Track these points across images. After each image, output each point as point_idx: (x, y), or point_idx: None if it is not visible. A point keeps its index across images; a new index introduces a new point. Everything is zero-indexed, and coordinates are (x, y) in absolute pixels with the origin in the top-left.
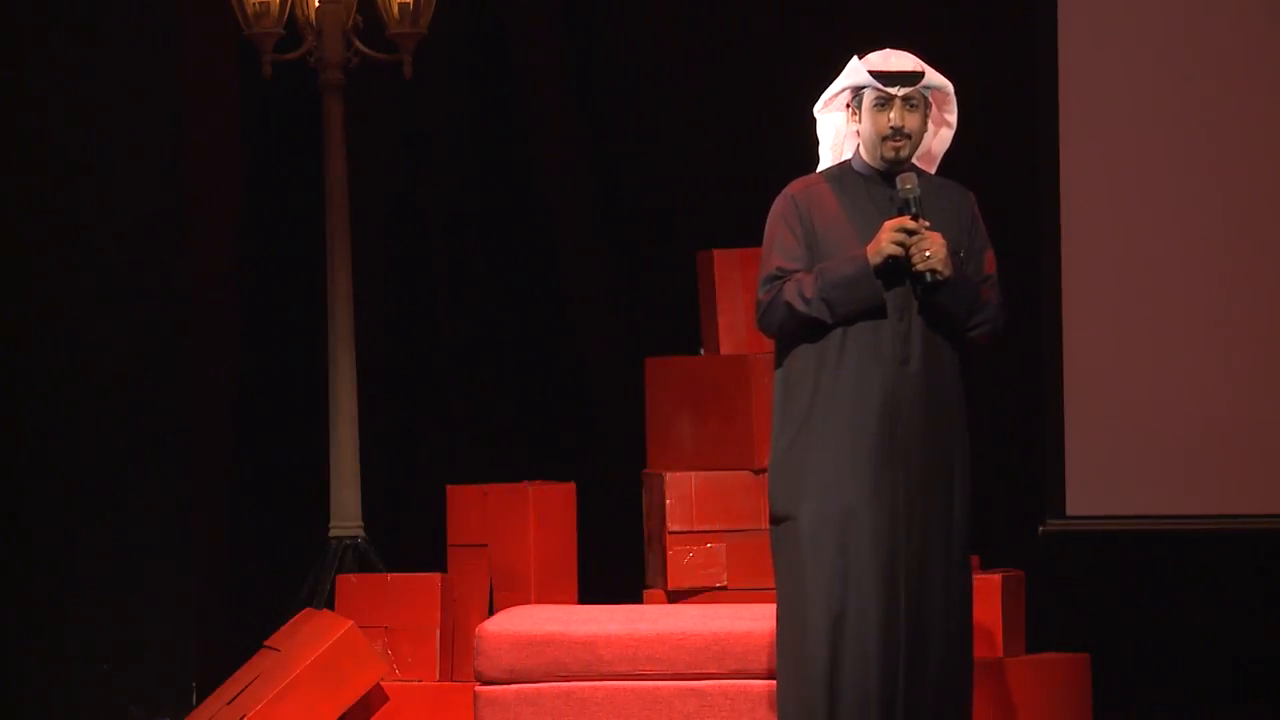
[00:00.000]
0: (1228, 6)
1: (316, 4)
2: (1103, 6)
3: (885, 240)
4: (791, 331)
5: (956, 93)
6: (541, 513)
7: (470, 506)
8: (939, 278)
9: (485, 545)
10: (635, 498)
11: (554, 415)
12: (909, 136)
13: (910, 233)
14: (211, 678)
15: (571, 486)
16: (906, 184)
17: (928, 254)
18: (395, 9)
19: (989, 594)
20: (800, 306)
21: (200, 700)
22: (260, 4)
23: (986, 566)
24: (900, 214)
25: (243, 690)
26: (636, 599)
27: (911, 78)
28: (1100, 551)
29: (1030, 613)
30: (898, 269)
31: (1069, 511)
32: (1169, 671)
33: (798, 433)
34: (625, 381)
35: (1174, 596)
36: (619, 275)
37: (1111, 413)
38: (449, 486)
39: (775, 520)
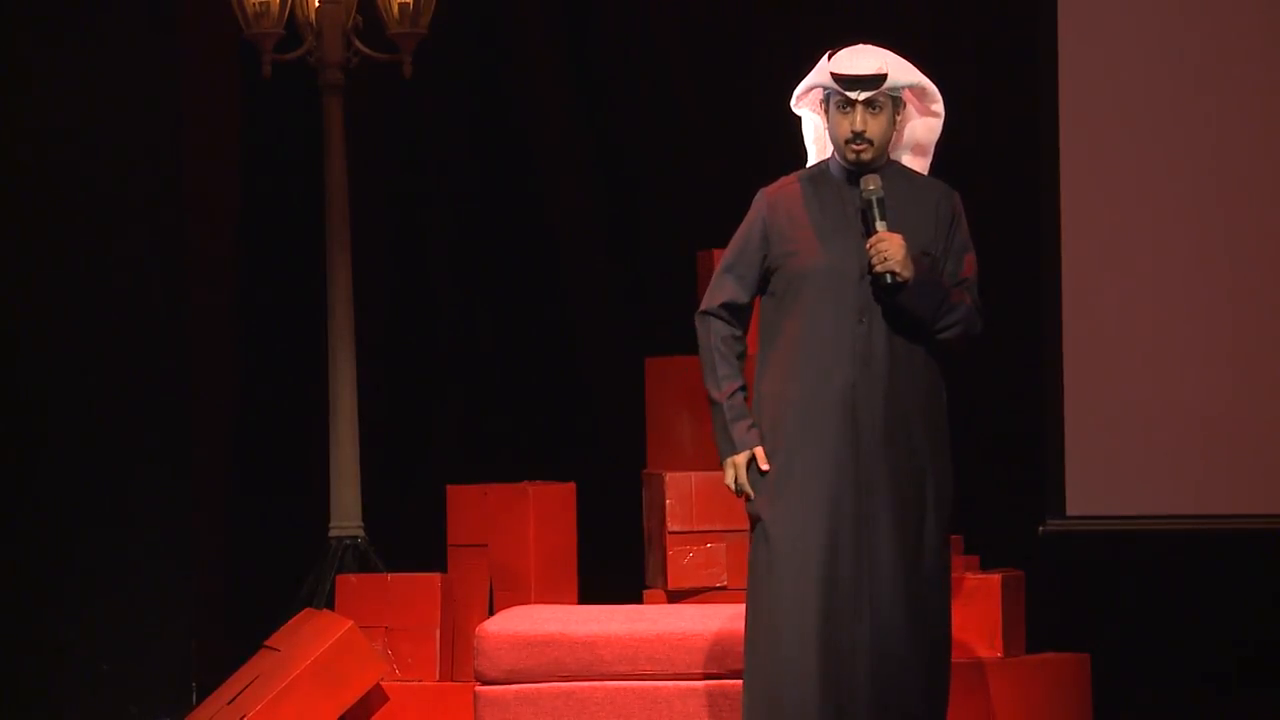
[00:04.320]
0: (1227, 6)
1: (316, 4)
2: (1103, 6)
3: None
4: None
5: (957, 92)
6: (541, 513)
7: (470, 506)
8: (898, 279)
9: (485, 545)
10: (635, 498)
11: (554, 415)
12: (870, 141)
13: (869, 234)
14: (211, 678)
15: (571, 486)
16: (869, 185)
17: (885, 256)
18: (395, 9)
19: (989, 594)
20: (707, 382)
21: (200, 700)
22: (260, 4)
23: (986, 566)
24: (862, 215)
25: (243, 690)
26: (636, 599)
27: (872, 82)
28: (1100, 551)
29: (1030, 613)
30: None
31: (1069, 511)
32: (1169, 671)
33: (765, 433)
34: (625, 381)
35: (1174, 596)
36: (619, 275)
37: (1111, 413)
38: (449, 486)
39: (749, 521)
